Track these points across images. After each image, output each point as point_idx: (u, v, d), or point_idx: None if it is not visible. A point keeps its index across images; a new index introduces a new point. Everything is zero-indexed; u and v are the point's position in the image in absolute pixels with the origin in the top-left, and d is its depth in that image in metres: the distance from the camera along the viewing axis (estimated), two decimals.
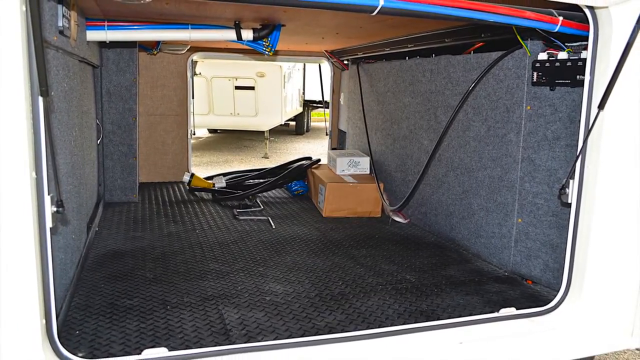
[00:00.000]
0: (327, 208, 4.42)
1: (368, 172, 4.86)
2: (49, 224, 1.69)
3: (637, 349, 3.68)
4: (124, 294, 2.66)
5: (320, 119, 16.94)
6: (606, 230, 2.23)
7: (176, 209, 4.50)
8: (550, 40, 2.71)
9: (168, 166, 5.61)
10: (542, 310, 2.37)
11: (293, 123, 15.64)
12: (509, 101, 3.05)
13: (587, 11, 2.12)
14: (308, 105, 15.49)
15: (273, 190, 5.39)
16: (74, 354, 1.81)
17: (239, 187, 5.20)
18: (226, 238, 3.71)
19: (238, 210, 4.47)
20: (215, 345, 2.13)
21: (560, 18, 2.14)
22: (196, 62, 9.88)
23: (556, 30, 2.16)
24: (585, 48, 2.26)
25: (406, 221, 4.26)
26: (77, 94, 3.01)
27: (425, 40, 3.62)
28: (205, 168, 9.40)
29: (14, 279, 1.61)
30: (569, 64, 2.60)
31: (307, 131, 16.18)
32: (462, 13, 1.94)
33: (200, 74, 10.45)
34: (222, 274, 3.00)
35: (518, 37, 2.81)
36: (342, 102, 6.05)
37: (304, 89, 14.62)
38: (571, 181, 2.28)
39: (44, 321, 1.70)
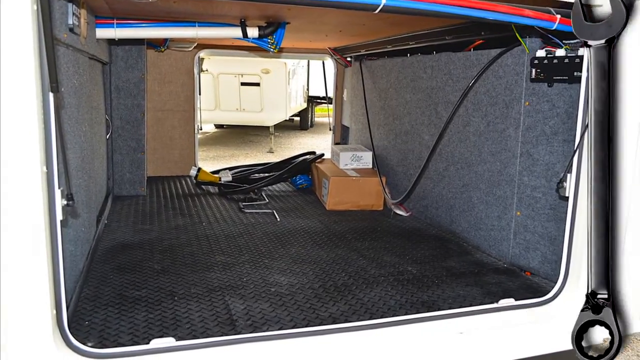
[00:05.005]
0: (330, 201, 4.42)
1: (370, 166, 4.85)
2: (59, 217, 1.69)
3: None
4: (133, 285, 2.67)
5: (324, 114, 16.91)
6: None
7: (183, 202, 4.50)
8: (548, 37, 2.69)
9: (175, 160, 5.61)
10: (541, 301, 2.36)
11: (297, 118, 15.60)
12: (508, 97, 3.03)
13: None
14: (312, 101, 15.45)
15: (278, 184, 5.38)
16: (83, 344, 1.82)
17: (245, 181, 5.20)
18: (232, 231, 3.71)
19: (244, 204, 4.47)
20: (221, 335, 2.13)
21: (558, 16, 2.12)
22: (203, 59, 9.86)
23: (554, 27, 2.14)
24: (582, 45, 2.24)
25: (408, 214, 4.25)
26: (87, 90, 3.01)
27: (426, 38, 3.60)
28: (211, 162, 9.39)
29: (25, 271, 1.61)
30: (566, 60, 2.58)
31: (311, 126, 16.13)
32: (462, 11, 1.93)
33: (207, 70, 10.43)
34: (228, 265, 3.00)
35: (517, 34, 2.79)
36: (345, 98, 6.03)
37: (308, 85, 14.59)
38: (568, 175, 2.27)
39: (54, 312, 1.70)
